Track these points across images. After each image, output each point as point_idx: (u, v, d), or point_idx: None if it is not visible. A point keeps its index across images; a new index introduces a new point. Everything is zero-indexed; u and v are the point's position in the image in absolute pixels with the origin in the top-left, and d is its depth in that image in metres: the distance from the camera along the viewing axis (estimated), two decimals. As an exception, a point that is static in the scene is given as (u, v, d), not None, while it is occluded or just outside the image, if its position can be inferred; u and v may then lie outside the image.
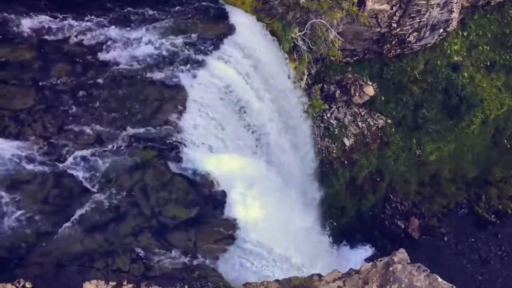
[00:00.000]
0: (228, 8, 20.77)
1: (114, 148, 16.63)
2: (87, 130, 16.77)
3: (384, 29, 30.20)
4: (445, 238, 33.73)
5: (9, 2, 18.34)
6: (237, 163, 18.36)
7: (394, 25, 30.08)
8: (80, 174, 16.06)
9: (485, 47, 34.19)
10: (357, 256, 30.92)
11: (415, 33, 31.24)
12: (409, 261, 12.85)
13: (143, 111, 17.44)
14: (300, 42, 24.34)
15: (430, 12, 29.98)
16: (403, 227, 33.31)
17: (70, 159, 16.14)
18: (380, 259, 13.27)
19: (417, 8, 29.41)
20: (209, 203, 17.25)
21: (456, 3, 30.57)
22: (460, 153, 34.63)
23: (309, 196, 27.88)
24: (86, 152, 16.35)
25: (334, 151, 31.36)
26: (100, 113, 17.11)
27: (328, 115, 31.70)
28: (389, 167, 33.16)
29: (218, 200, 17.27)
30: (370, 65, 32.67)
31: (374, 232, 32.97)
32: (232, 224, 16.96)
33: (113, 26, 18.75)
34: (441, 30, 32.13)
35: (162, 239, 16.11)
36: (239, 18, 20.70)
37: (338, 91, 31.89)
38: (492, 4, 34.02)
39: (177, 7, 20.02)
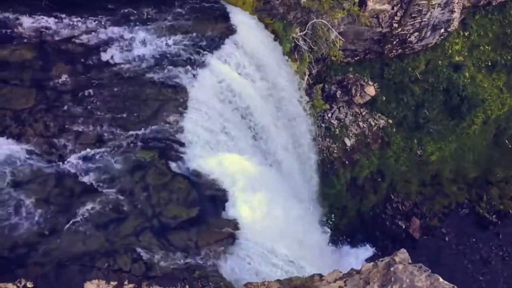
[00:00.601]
0: (229, 8, 20.78)
1: (115, 148, 16.63)
2: (88, 130, 16.78)
3: (385, 29, 30.20)
4: (446, 238, 33.68)
5: (10, 2, 18.36)
6: (238, 163, 18.35)
7: (395, 25, 30.08)
8: (81, 174, 16.07)
9: (486, 47, 34.18)
10: (358, 256, 30.87)
11: (416, 33, 31.23)
12: (410, 261, 12.83)
13: (144, 111, 17.45)
14: (301, 42, 24.35)
15: (431, 12, 29.97)
16: (404, 227, 33.26)
17: (71, 159, 16.16)
18: (381, 259, 13.24)
19: (418, 8, 29.41)
20: (210, 203, 17.25)
21: (457, 3, 30.55)
22: (461, 153, 34.60)
23: (310, 196, 27.86)
24: (87, 152, 16.36)
25: (335, 151, 31.35)
26: (101, 113, 17.12)
27: (329, 115, 31.69)
28: (390, 167, 33.14)
29: (219, 200, 17.28)
30: (371, 65, 32.65)
31: (375, 232, 32.93)
32: (233, 224, 16.96)
33: (113, 26, 18.77)
34: (442, 30, 32.12)
35: (163, 239, 16.11)
36: (240, 18, 20.71)
37: (339, 91, 31.88)
38: (494, 4, 34.01)
39: (178, 7, 20.03)
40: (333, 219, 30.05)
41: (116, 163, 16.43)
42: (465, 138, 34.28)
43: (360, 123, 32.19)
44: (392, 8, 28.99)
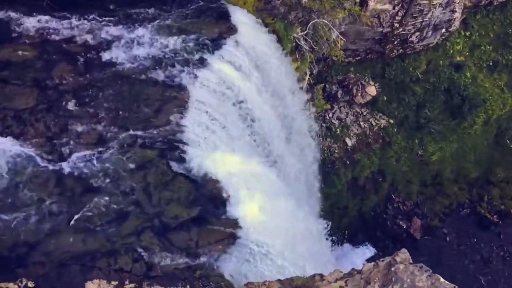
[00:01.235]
0: (230, 8, 20.77)
1: (116, 147, 16.63)
2: (89, 129, 16.79)
3: (386, 29, 30.17)
4: (447, 238, 33.66)
5: (11, 1, 18.39)
6: (239, 163, 18.36)
7: (396, 25, 30.06)
8: (82, 173, 16.08)
9: (488, 47, 34.11)
10: (359, 256, 30.89)
11: (417, 33, 31.21)
12: (411, 261, 12.82)
13: (145, 110, 17.46)
14: (302, 42, 24.35)
15: (432, 12, 29.94)
16: (405, 227, 33.25)
17: (72, 159, 16.16)
18: (382, 259, 13.24)
19: (420, 8, 29.38)
20: (211, 202, 17.25)
21: (458, 3, 30.52)
22: (462, 153, 34.56)
23: (311, 196, 27.85)
24: (88, 152, 16.37)
25: (336, 151, 31.35)
26: (102, 112, 17.13)
27: (330, 115, 31.68)
28: (391, 167, 33.12)
29: (220, 199, 17.27)
30: (372, 65, 32.62)
31: (376, 232, 32.92)
32: (234, 224, 16.97)
33: (115, 26, 18.77)
34: (444, 30, 32.08)
35: (164, 238, 16.13)
36: (241, 17, 20.71)
37: (340, 91, 31.85)
38: (495, 4, 33.94)
39: (179, 7, 20.05)
40: (334, 219, 30.02)
41: (117, 163, 16.43)
42: (466, 138, 34.24)
43: (361, 123, 32.18)
44: (393, 8, 28.97)
